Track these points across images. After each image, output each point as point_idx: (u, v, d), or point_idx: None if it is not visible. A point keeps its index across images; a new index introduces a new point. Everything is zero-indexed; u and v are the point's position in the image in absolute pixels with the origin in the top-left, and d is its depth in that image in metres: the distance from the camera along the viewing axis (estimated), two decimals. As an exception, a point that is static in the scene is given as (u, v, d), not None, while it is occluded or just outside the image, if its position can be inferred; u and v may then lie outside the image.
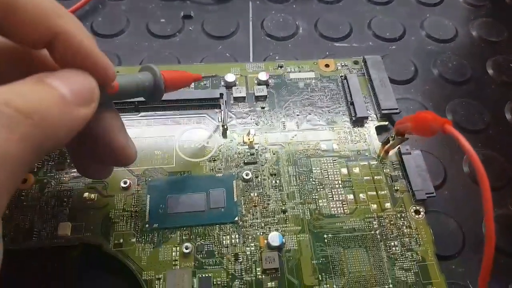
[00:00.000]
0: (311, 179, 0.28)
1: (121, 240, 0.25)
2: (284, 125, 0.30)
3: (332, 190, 0.27)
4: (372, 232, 0.26)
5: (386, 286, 0.24)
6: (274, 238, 0.25)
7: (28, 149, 0.14)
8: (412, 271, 0.25)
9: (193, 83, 0.32)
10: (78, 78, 0.17)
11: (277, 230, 0.25)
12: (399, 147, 0.29)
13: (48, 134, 0.15)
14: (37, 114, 0.14)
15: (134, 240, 0.25)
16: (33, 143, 0.14)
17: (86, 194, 0.26)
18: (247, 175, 0.27)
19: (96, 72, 0.18)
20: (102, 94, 0.18)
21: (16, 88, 0.15)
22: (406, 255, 0.25)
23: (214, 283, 0.23)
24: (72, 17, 0.18)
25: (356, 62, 0.34)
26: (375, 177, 0.28)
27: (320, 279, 0.24)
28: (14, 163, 0.14)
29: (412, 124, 0.23)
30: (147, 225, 0.25)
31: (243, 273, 0.24)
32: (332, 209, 0.27)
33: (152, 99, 0.23)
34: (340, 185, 0.28)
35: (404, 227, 0.26)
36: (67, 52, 0.17)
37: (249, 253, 0.25)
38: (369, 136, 0.30)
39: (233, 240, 0.25)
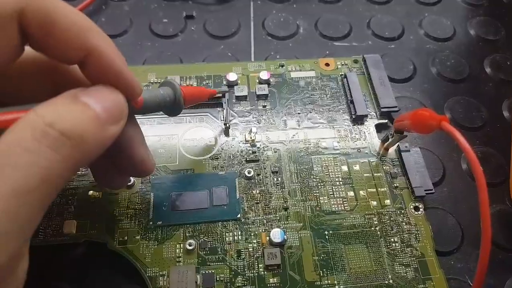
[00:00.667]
0: (312, 177, 0.28)
1: (126, 238, 0.25)
2: (285, 123, 0.31)
3: (333, 187, 0.28)
4: (372, 228, 0.26)
5: (386, 282, 0.24)
6: (276, 234, 0.25)
7: (68, 168, 0.15)
8: (412, 266, 0.25)
9: (195, 82, 0.32)
10: (109, 96, 0.18)
11: (279, 227, 0.26)
12: (398, 145, 0.29)
13: (85, 153, 0.16)
14: (77, 136, 0.15)
15: (138, 237, 0.25)
16: (72, 162, 0.15)
17: (91, 192, 0.26)
18: (249, 172, 0.28)
19: (124, 89, 0.18)
20: (128, 109, 0.19)
21: (56, 109, 0.16)
22: (406, 251, 0.25)
23: (217, 279, 0.24)
24: (104, 35, 0.18)
25: (356, 61, 0.34)
26: (375, 174, 0.29)
27: (321, 275, 0.24)
28: (56, 181, 0.15)
29: (410, 121, 0.24)
30: (151, 223, 0.26)
31: (245, 269, 0.24)
32: (333, 206, 0.27)
33: (172, 113, 0.24)
34: (341, 182, 0.28)
35: (404, 223, 0.27)
36: (98, 69, 0.18)
37: (251, 249, 0.25)
38: (369, 133, 0.30)
39: (235, 237, 0.25)
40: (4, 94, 0.19)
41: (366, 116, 0.31)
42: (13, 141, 0.14)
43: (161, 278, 0.24)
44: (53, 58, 0.18)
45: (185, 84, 0.32)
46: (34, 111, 0.15)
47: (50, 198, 0.15)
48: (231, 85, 0.32)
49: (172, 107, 0.23)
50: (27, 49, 0.18)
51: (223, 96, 0.31)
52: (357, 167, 0.29)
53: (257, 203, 0.27)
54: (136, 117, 0.23)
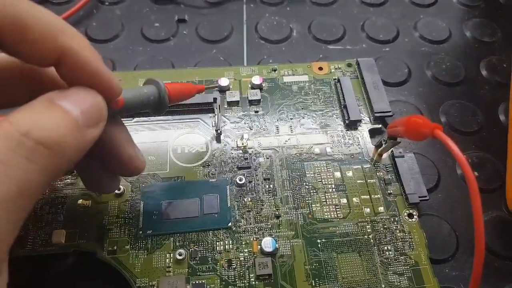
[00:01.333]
0: (304, 183, 0.28)
1: (115, 247, 0.25)
2: (277, 129, 0.30)
3: (326, 194, 0.27)
4: (366, 236, 0.26)
5: (379, 291, 0.24)
6: (268, 243, 0.25)
7: (46, 177, 0.15)
8: (406, 275, 0.25)
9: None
10: (87, 98, 0.17)
11: (270, 235, 0.25)
12: (392, 150, 0.29)
13: (64, 160, 0.16)
14: (55, 144, 0.15)
15: (128, 247, 0.25)
16: (51, 171, 0.15)
17: (80, 201, 0.26)
18: (240, 180, 0.27)
19: (102, 88, 0.18)
20: (108, 110, 0.18)
21: (32, 116, 0.15)
22: (400, 260, 0.25)
23: (208, 289, 0.24)
24: (78, 34, 0.18)
25: (349, 65, 0.34)
26: (369, 180, 0.28)
27: (313, 284, 0.24)
28: (34, 191, 0.15)
29: (403, 128, 0.23)
30: (141, 232, 0.25)
31: (236, 280, 0.24)
32: (326, 214, 0.27)
33: (157, 112, 0.23)
34: (334, 189, 0.28)
35: (398, 231, 0.26)
36: (74, 70, 0.17)
37: (242, 259, 0.25)
38: (362, 139, 0.30)
39: (226, 246, 0.25)
40: None
41: (359, 121, 0.31)
42: None
43: (150, 289, 0.23)
44: (26, 62, 0.18)
45: (176, 89, 0.32)
46: (8, 120, 0.15)
47: (28, 208, 0.15)
48: (223, 90, 0.32)
49: (156, 105, 0.22)
50: (1, 54, 0.18)
51: (214, 87, 0.30)
52: (350, 173, 0.28)
53: (248, 211, 0.26)
54: (129, 121, 0.22)
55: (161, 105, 0.23)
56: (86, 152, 0.17)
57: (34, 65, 0.18)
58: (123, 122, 0.22)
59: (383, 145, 0.28)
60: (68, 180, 0.27)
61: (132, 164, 0.22)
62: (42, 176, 0.15)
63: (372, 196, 0.27)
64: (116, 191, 0.26)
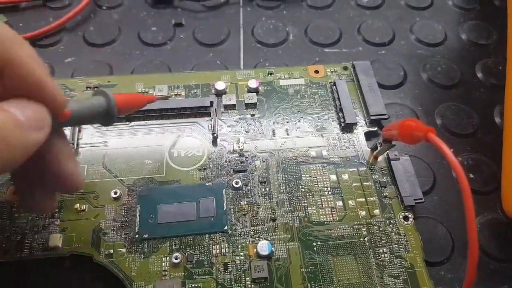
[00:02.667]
0: (300, 187, 0.28)
1: (112, 251, 0.25)
2: (274, 132, 0.30)
3: (321, 197, 0.27)
4: (361, 239, 0.26)
5: (375, 293, 0.24)
6: (263, 247, 0.25)
7: None
8: (401, 278, 0.25)
9: (183, 92, 0.32)
10: (29, 105, 0.17)
11: (266, 238, 0.26)
12: (387, 153, 0.29)
13: (4, 155, 0.16)
14: None
15: (124, 250, 0.25)
16: None
17: (77, 205, 0.26)
18: (236, 183, 0.27)
19: (46, 99, 0.18)
20: (54, 121, 0.18)
21: None
22: (395, 262, 0.25)
23: (204, 293, 0.24)
24: (25, 44, 0.18)
25: (345, 68, 0.34)
26: (364, 183, 0.28)
27: (309, 287, 0.24)
28: None
29: (397, 132, 0.23)
30: (137, 235, 0.25)
31: (232, 283, 0.24)
32: (322, 217, 0.27)
33: (105, 123, 0.23)
34: (330, 192, 0.28)
35: (393, 233, 0.26)
36: (17, 80, 0.17)
37: (238, 262, 0.25)
38: (358, 142, 0.30)
39: (222, 250, 0.25)
40: None
41: (355, 124, 0.31)
42: None
43: (146, 292, 0.23)
44: None
45: (173, 94, 0.32)
46: None
47: None
48: (219, 93, 0.32)
49: (105, 117, 0.22)
50: None
51: (166, 98, 0.30)
52: (346, 176, 0.28)
53: (244, 214, 0.27)
54: (126, 126, 0.22)
55: (109, 117, 0.22)
56: (27, 162, 0.17)
57: None
58: (114, 125, 0.22)
59: (379, 148, 0.28)
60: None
61: (71, 179, 0.21)
62: None
63: (368, 198, 0.28)
64: (113, 195, 0.27)
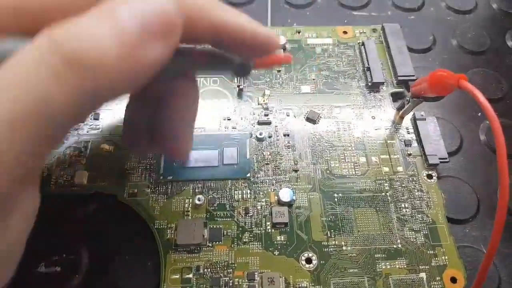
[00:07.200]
0: (323, 141, 0.28)
1: (136, 190, 0.25)
2: (299, 89, 0.30)
3: (345, 152, 0.27)
4: (383, 193, 0.26)
5: (395, 246, 0.24)
6: (285, 194, 0.25)
7: (75, 103, 0.12)
8: (422, 232, 0.25)
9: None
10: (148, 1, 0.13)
11: (288, 187, 0.26)
12: (414, 113, 0.29)
13: (102, 85, 0.12)
14: (93, 63, 0.12)
15: (148, 190, 0.25)
16: (82, 95, 0.12)
17: (103, 145, 0.27)
18: (260, 134, 0.28)
19: (262, 46, 0.17)
20: (189, 60, 0.16)
21: (72, 25, 0.12)
22: (416, 217, 0.25)
23: (224, 234, 0.24)
24: (227, 7, 0.17)
25: (374, 30, 0.34)
26: (388, 141, 0.28)
27: (329, 235, 0.24)
28: (58, 117, 0.12)
29: (428, 83, 0.23)
30: (161, 177, 0.26)
31: (253, 226, 0.24)
32: (344, 170, 0.27)
33: (241, 74, 0.21)
34: (353, 148, 0.28)
35: (416, 190, 0.26)
36: (233, 41, 0.17)
37: (259, 207, 0.25)
38: (384, 101, 0.30)
39: (244, 195, 0.25)
40: None
41: (382, 83, 0.30)
42: (13, 61, 0.12)
43: (168, 230, 0.24)
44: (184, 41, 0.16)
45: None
46: (48, 28, 0.12)
47: (53, 137, 0.13)
48: (246, 49, 0.32)
49: (241, 65, 0.19)
50: None
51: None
52: (370, 134, 0.28)
53: (267, 164, 0.27)
54: None
55: (246, 68, 0.19)
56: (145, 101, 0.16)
57: None
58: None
59: (406, 106, 0.28)
60: (93, 125, 0.27)
61: (180, 150, 0.20)
62: (68, 100, 0.12)
63: (392, 156, 0.27)
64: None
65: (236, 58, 0.19)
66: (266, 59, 0.20)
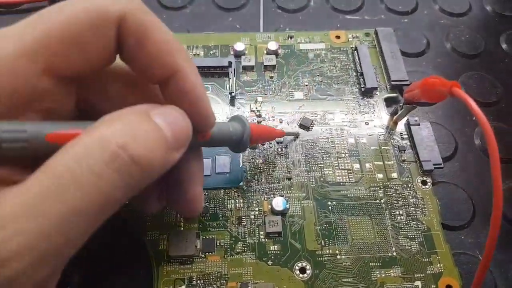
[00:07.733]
0: (317, 148, 0.28)
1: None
2: (292, 95, 0.30)
3: (338, 159, 0.27)
4: (377, 200, 0.26)
5: (390, 254, 0.24)
6: (278, 202, 0.25)
7: (127, 195, 0.14)
8: (417, 240, 0.24)
9: (202, 52, 0.32)
10: (179, 119, 0.17)
11: (281, 196, 0.25)
12: (407, 118, 0.28)
13: (148, 179, 0.15)
14: (147, 163, 0.14)
15: (139, 201, 0.25)
16: (134, 188, 0.15)
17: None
18: (253, 142, 0.27)
19: (199, 118, 0.18)
20: (192, 139, 0.18)
21: (129, 128, 0.14)
22: (411, 224, 0.25)
23: (217, 244, 0.24)
24: (190, 59, 0.18)
25: (367, 34, 0.33)
26: (382, 147, 0.28)
27: (323, 244, 0.24)
28: (112, 207, 0.14)
29: (420, 89, 0.23)
30: (152, 188, 0.25)
31: (246, 236, 0.24)
32: (338, 177, 0.26)
33: (236, 150, 0.23)
34: (347, 155, 0.27)
35: (410, 197, 0.26)
36: (179, 92, 0.17)
37: (252, 217, 0.25)
38: (377, 107, 0.30)
39: (237, 204, 0.25)
40: (85, 99, 0.18)
41: (375, 89, 0.30)
42: (81, 160, 0.13)
43: (161, 242, 0.24)
44: (139, 73, 0.18)
45: (192, 54, 0.32)
46: (107, 127, 0.14)
47: (102, 221, 0.15)
48: (238, 55, 0.31)
49: (237, 144, 0.22)
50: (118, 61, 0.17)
51: (296, 135, 0.28)
52: (364, 140, 0.28)
53: (260, 172, 0.26)
54: None
55: (241, 145, 0.22)
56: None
57: (143, 79, 0.18)
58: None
59: (399, 112, 0.27)
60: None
61: (192, 205, 0.21)
62: (124, 193, 0.14)
63: (386, 162, 0.27)
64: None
65: (234, 136, 0.21)
66: (260, 135, 0.24)
